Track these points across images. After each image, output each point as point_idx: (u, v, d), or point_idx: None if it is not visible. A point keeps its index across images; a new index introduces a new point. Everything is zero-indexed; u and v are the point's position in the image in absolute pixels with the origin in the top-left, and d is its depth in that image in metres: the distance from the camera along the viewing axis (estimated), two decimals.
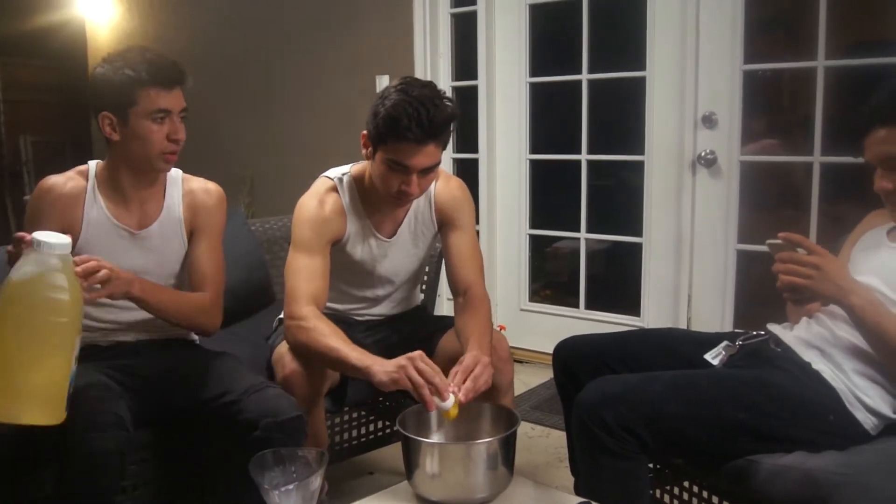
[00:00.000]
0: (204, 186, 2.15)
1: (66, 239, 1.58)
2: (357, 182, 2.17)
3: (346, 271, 2.21)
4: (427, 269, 2.69)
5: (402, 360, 1.74)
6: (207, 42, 5.31)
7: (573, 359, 2.01)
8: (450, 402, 1.70)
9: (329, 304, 2.20)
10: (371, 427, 2.53)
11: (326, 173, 2.22)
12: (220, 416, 1.90)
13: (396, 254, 2.24)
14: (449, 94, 4.13)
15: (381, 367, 1.77)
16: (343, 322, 2.13)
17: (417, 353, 1.76)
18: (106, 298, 1.80)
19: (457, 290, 2.19)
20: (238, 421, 1.85)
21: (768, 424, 1.66)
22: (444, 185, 2.25)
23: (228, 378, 1.97)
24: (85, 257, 1.71)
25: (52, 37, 6.10)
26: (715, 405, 1.67)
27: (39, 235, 1.55)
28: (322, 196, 2.14)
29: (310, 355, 1.96)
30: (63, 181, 2.00)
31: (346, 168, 2.21)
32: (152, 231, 2.04)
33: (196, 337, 2.22)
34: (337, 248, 2.16)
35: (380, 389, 1.81)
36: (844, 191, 3.26)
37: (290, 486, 1.37)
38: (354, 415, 2.48)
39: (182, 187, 2.12)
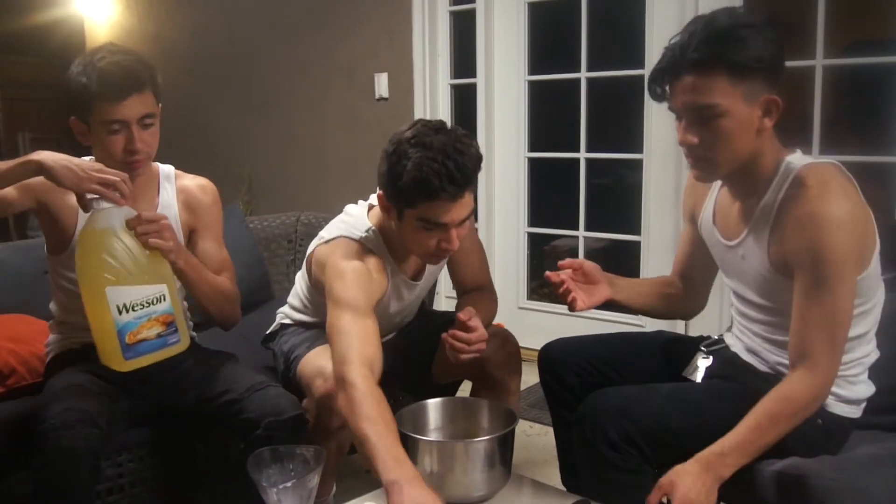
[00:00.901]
0: (197, 183, 2.13)
1: (123, 209, 1.75)
2: (385, 237, 2.00)
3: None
4: None
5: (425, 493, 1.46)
6: (206, 40, 5.31)
7: (559, 360, 1.99)
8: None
9: None
10: None
11: (343, 233, 1.99)
12: (221, 416, 1.90)
13: (421, 289, 2.19)
14: (448, 92, 4.19)
15: (403, 496, 1.44)
16: None
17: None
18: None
19: (463, 290, 2.19)
20: (240, 420, 1.85)
21: None
22: None
23: (230, 377, 1.97)
24: (146, 217, 1.78)
25: (51, 34, 6.09)
26: (716, 418, 1.66)
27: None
28: (362, 255, 1.93)
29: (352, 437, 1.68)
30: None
31: (360, 225, 2.02)
32: None
33: (195, 334, 2.21)
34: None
35: None
36: None
37: (288, 484, 1.37)
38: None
39: (175, 184, 2.10)
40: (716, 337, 1.94)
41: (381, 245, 1.99)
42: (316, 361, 1.98)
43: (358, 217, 2.04)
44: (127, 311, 1.72)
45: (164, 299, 1.78)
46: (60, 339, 2.06)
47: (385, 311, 2.07)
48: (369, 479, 2.60)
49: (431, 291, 2.71)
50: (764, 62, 1.57)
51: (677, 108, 1.64)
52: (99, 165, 1.75)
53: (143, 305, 1.74)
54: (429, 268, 2.13)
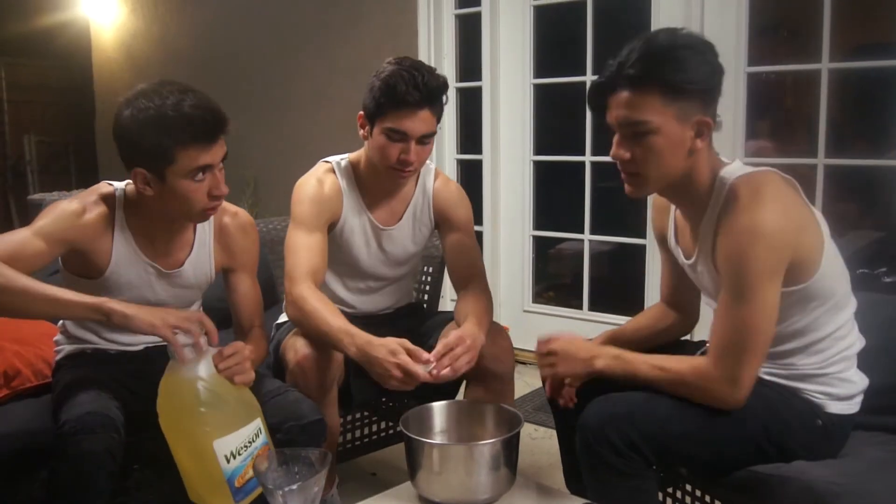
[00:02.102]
0: (237, 223, 2.03)
1: (208, 351, 1.69)
2: (354, 167, 2.23)
3: (340, 254, 2.23)
4: (431, 269, 2.69)
5: (389, 362, 1.81)
6: (211, 43, 5.32)
7: None
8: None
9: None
10: (374, 428, 2.53)
11: (325, 158, 2.27)
12: None
13: (393, 244, 2.27)
14: (453, 95, 4.19)
15: (355, 342, 1.87)
16: None
17: (396, 345, 1.83)
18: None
19: (460, 286, 2.23)
20: None
21: (768, 435, 1.66)
22: (443, 185, 2.30)
23: None
24: (228, 352, 1.73)
25: (57, 37, 6.11)
26: (719, 421, 1.67)
27: (181, 341, 1.65)
28: (320, 176, 2.19)
29: (305, 330, 2.03)
30: (90, 209, 1.83)
31: (344, 155, 2.26)
32: (184, 271, 1.96)
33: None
34: (333, 232, 2.19)
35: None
36: (847, 193, 3.27)
37: (294, 487, 1.37)
38: (358, 415, 2.48)
39: (213, 220, 2.00)
40: None
41: (350, 174, 2.22)
42: (290, 340, 2.08)
43: (344, 154, 2.28)
44: (234, 458, 1.65)
45: (260, 433, 1.71)
46: (71, 344, 2.04)
47: (346, 242, 2.22)
48: (373, 481, 2.62)
49: (435, 295, 2.71)
50: (698, 84, 1.59)
51: (612, 122, 1.66)
52: (177, 313, 1.72)
53: (246, 446, 1.67)
54: (405, 226, 2.26)
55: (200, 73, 5.38)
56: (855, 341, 1.75)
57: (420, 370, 1.79)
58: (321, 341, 1.99)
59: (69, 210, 1.80)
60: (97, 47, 6.08)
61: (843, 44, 3.12)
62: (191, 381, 1.65)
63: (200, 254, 1.98)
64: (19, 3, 6.20)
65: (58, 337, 2.08)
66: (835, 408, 1.70)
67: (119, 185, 1.90)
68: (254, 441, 1.67)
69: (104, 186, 1.90)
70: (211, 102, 1.74)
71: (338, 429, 2.18)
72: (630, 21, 3.60)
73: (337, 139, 4.58)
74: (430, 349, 1.92)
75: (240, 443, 1.64)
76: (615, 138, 1.68)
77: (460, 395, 2.20)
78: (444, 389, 2.01)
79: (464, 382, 2.15)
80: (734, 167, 1.68)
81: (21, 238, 1.74)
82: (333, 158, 2.25)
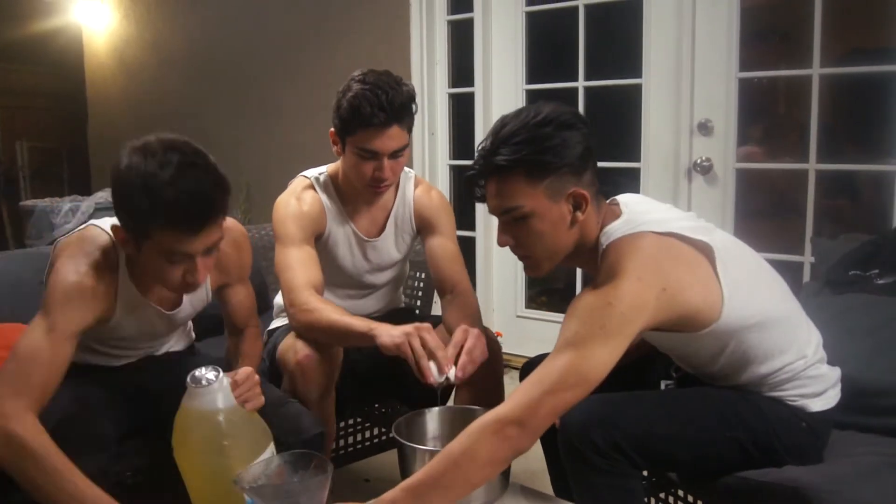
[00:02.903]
0: (229, 238, 1.82)
1: (223, 379, 1.58)
2: (333, 180, 2.24)
3: (325, 262, 2.22)
4: (423, 274, 2.69)
5: (409, 327, 1.79)
6: (204, 49, 5.32)
7: None
8: (447, 376, 1.75)
9: None
10: (367, 434, 2.53)
11: (303, 173, 2.27)
12: None
13: (377, 253, 2.28)
14: (446, 100, 4.20)
15: (387, 331, 1.83)
16: None
17: (426, 325, 1.81)
18: (120, 351, 1.90)
19: (443, 289, 2.23)
20: None
21: (754, 437, 1.67)
22: (424, 192, 2.32)
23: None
24: (241, 379, 1.68)
25: (49, 43, 6.11)
26: (704, 422, 1.68)
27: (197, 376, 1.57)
28: (299, 194, 2.19)
29: (316, 334, 2.00)
30: (94, 270, 1.67)
31: (322, 168, 2.27)
32: (184, 309, 1.92)
33: (193, 335, 2.22)
34: (319, 242, 2.19)
35: (383, 352, 1.84)
36: (839, 198, 3.28)
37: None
38: (350, 422, 2.47)
39: None
40: None
41: (330, 187, 2.23)
42: (288, 341, 2.07)
43: (322, 167, 2.28)
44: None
45: (274, 456, 1.65)
46: None
47: (332, 254, 2.23)
48: (366, 488, 2.61)
49: (428, 301, 2.71)
50: (562, 160, 1.57)
51: (491, 212, 1.67)
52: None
53: (266, 474, 1.59)
54: (389, 236, 2.27)
55: (193, 79, 5.38)
56: (810, 339, 1.74)
57: (433, 373, 1.76)
58: (337, 340, 1.99)
59: (78, 289, 1.64)
60: (90, 53, 6.07)
61: (835, 49, 3.13)
62: (212, 414, 1.57)
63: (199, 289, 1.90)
64: (12, 8, 6.19)
65: None
66: (815, 406, 1.70)
67: (107, 227, 1.75)
68: (270, 465, 1.64)
69: (100, 237, 1.73)
70: (208, 187, 1.54)
71: (333, 425, 2.18)
72: (622, 26, 3.61)
73: (329, 145, 4.59)
74: None
75: (260, 471, 1.58)
76: (497, 226, 1.68)
77: (451, 402, 2.19)
78: (434, 394, 2.00)
79: (454, 388, 2.15)
80: (619, 222, 1.64)
81: (45, 361, 1.58)
82: (311, 173, 2.26)
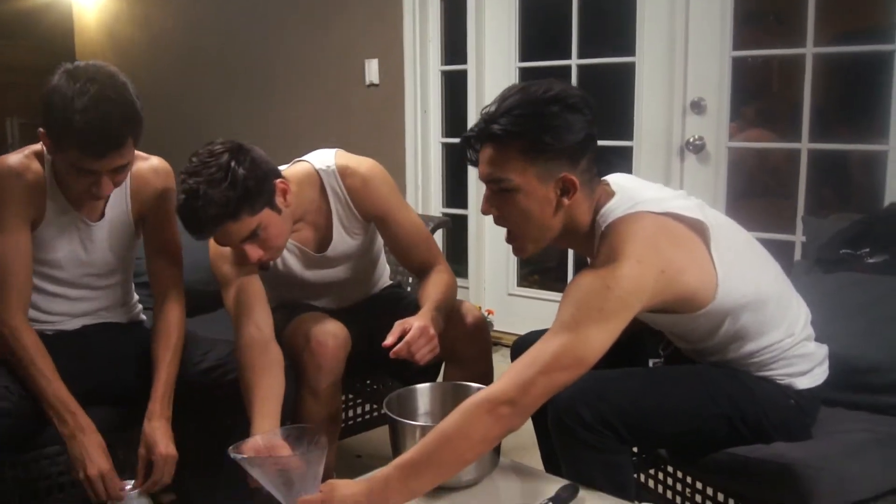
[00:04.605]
0: (151, 166, 2.01)
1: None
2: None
3: (292, 290, 2.20)
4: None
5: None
6: (195, 27, 5.28)
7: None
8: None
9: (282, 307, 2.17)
10: (358, 410, 2.54)
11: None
12: (201, 384, 1.92)
13: (335, 260, 2.19)
14: (439, 78, 4.18)
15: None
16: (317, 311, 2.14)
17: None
18: (57, 287, 1.94)
19: (420, 275, 2.19)
20: (225, 382, 1.89)
21: (742, 414, 1.68)
22: (353, 180, 2.11)
23: (201, 346, 2.00)
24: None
25: (39, 18, 6.05)
26: (691, 398, 1.69)
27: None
28: None
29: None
30: (25, 165, 1.86)
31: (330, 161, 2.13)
32: (106, 222, 1.97)
33: (144, 318, 2.19)
34: (270, 275, 2.09)
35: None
36: (831, 177, 3.28)
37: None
38: (342, 398, 2.48)
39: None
40: None
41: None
42: (294, 324, 2.04)
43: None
44: None
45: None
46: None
47: (294, 283, 2.17)
48: (358, 463, 2.62)
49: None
50: (561, 142, 1.55)
51: (480, 177, 1.64)
52: (109, 479, 1.76)
53: None
54: (339, 244, 2.15)
55: (185, 57, 5.35)
56: (799, 316, 1.75)
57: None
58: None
59: (12, 174, 1.83)
60: (80, 29, 6.02)
61: (828, 29, 3.12)
62: None
63: (118, 203, 1.96)
64: None
65: None
66: (803, 383, 1.72)
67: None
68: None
69: (34, 147, 1.90)
70: (116, 120, 1.68)
71: (340, 415, 2.17)
72: (615, 4, 3.59)
73: (323, 124, 4.57)
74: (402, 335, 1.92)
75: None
76: (484, 194, 1.65)
77: (440, 378, 2.19)
78: (423, 370, 1.99)
79: (442, 364, 2.16)
80: (614, 201, 1.62)
81: (10, 260, 1.82)
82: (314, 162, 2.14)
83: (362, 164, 2.14)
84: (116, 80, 1.73)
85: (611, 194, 1.65)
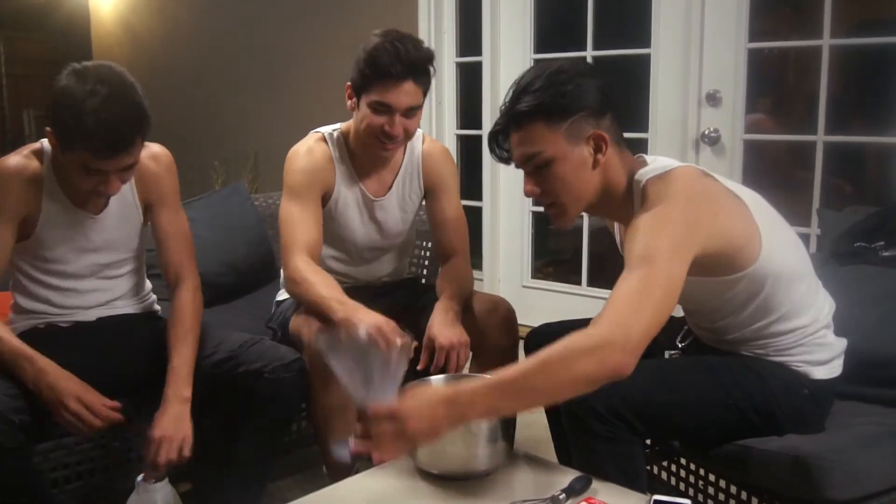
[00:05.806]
0: (150, 154, 2.02)
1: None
2: (345, 137, 2.24)
3: (334, 226, 2.25)
4: (429, 244, 2.70)
5: (381, 320, 1.86)
6: (211, 18, 5.30)
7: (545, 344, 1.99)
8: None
9: None
10: None
11: (317, 129, 2.29)
12: (214, 376, 1.93)
13: (384, 214, 2.29)
14: (453, 70, 4.18)
15: (364, 321, 1.85)
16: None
17: (391, 326, 1.85)
18: (66, 281, 1.97)
19: (442, 256, 2.29)
20: (237, 375, 1.91)
21: (755, 404, 1.68)
22: (431, 148, 2.34)
23: (213, 338, 2.01)
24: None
25: (56, 10, 6.08)
26: (704, 389, 1.69)
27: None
28: (311, 145, 2.23)
29: (302, 301, 2.09)
30: (23, 164, 1.89)
31: (336, 125, 2.29)
32: (110, 212, 1.99)
33: (158, 308, 2.21)
34: (328, 207, 2.21)
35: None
36: (847, 170, 3.27)
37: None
38: None
39: None
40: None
41: (342, 144, 2.24)
42: (299, 318, 2.10)
43: (336, 124, 2.30)
44: None
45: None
46: (24, 319, 2.01)
47: (340, 212, 2.24)
48: None
49: (434, 270, 2.72)
50: (578, 103, 1.61)
51: (516, 163, 1.70)
52: (90, 398, 1.77)
53: None
54: (395, 196, 2.28)
55: (200, 48, 5.36)
56: (824, 305, 1.77)
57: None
58: (316, 311, 2.01)
59: (9, 173, 1.87)
60: (96, 21, 6.05)
61: (845, 20, 3.10)
62: None
63: (124, 194, 1.97)
64: None
65: (11, 315, 2.04)
66: (819, 374, 1.72)
67: (46, 142, 1.90)
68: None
69: (33, 145, 1.93)
70: (126, 123, 1.72)
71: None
72: None
73: (336, 114, 4.57)
74: (424, 326, 1.98)
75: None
76: (523, 177, 1.71)
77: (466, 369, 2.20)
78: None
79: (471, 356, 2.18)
80: (650, 167, 1.66)
81: None
82: (325, 129, 2.27)
83: (440, 143, 2.41)
84: (125, 81, 1.77)
85: (644, 162, 1.70)
